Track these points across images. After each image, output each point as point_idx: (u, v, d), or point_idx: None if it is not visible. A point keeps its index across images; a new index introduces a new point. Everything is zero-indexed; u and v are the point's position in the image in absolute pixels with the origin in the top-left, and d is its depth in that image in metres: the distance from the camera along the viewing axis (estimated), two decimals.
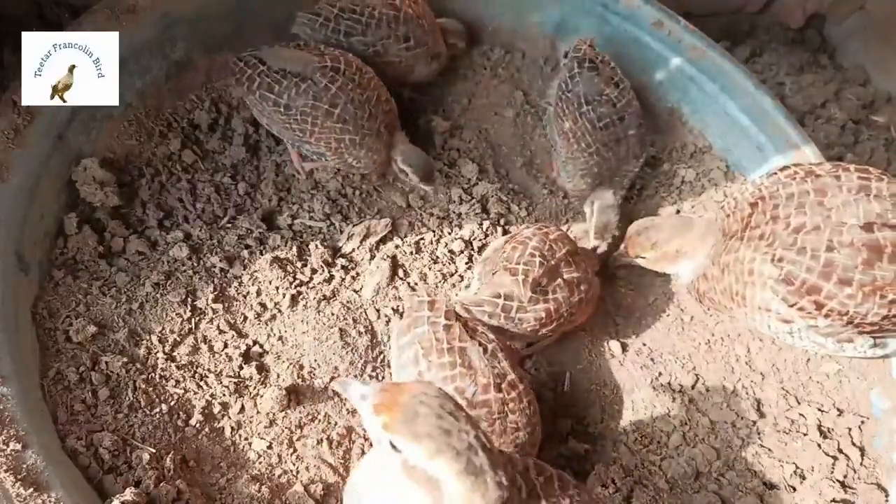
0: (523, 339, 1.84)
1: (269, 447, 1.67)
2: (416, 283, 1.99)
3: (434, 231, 2.10)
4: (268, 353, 1.82)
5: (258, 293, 1.89)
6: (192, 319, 1.81)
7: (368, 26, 2.08)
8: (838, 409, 1.92)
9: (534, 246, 1.80)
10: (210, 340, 1.78)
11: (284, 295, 1.89)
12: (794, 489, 1.78)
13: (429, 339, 1.57)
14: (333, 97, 1.89)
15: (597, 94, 2.08)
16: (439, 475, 1.00)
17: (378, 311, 1.94)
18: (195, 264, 1.88)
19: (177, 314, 1.80)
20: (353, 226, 2.04)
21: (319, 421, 1.74)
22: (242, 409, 1.71)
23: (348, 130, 1.93)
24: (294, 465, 1.67)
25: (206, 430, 1.66)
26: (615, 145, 2.10)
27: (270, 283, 1.89)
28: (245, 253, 1.93)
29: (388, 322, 1.91)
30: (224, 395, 1.71)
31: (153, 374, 1.69)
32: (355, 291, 1.95)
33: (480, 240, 2.09)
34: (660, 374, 1.97)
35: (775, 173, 1.71)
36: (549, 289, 1.77)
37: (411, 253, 2.04)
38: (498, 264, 1.81)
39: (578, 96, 2.09)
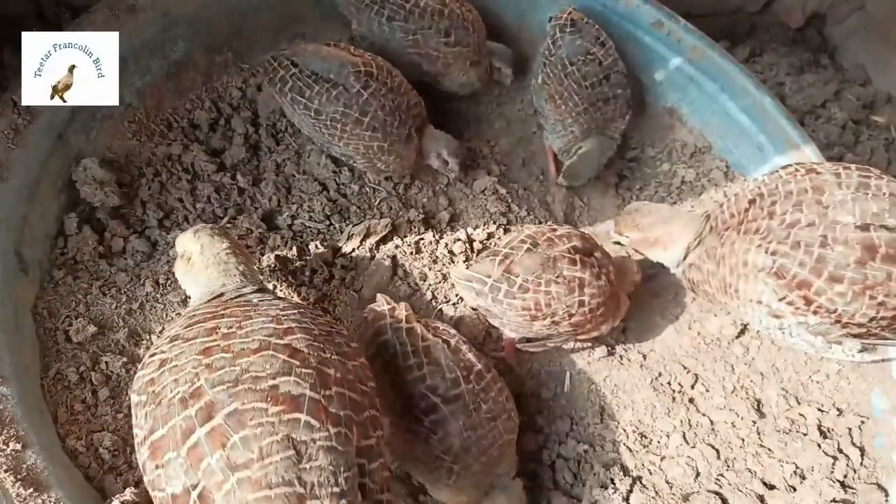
0: (517, 331, 1.81)
1: None
2: (417, 283, 1.99)
3: (434, 231, 2.10)
4: None
5: None
6: None
7: (412, 13, 2.11)
8: (838, 409, 1.91)
9: (528, 234, 1.78)
10: None
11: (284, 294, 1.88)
12: (794, 489, 1.78)
13: (393, 346, 1.57)
14: (364, 104, 1.92)
15: (581, 54, 2.09)
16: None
17: None
18: None
19: (177, 314, 1.79)
20: (353, 226, 2.04)
21: None
22: None
23: (377, 138, 1.96)
24: None
25: None
26: (603, 105, 2.11)
27: (270, 283, 1.89)
28: None
29: None
30: None
31: None
32: (355, 291, 1.95)
33: (481, 240, 2.09)
34: (660, 374, 1.97)
35: (777, 171, 1.71)
36: (542, 279, 1.69)
37: (411, 253, 2.04)
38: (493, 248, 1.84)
39: (562, 59, 2.09)
